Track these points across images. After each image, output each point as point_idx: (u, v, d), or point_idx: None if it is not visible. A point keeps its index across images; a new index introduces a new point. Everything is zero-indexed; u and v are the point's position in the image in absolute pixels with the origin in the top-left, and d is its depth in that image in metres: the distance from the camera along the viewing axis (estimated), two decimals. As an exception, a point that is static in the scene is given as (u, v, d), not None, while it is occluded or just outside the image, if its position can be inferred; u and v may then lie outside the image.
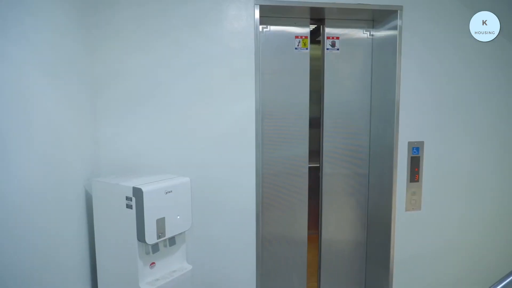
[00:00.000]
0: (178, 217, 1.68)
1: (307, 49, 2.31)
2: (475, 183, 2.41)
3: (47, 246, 1.40)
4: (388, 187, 2.30)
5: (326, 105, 2.43)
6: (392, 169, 2.26)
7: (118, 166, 1.98)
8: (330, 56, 2.40)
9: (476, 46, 2.27)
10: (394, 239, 2.30)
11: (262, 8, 2.07)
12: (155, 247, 1.64)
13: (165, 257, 1.73)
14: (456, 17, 2.24)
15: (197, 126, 2.07)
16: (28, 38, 1.33)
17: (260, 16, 2.07)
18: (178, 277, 1.73)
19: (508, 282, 1.11)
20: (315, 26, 3.65)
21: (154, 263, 1.68)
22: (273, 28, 2.27)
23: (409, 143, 2.27)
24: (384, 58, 2.30)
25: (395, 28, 2.19)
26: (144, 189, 1.52)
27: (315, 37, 4.15)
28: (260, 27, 2.16)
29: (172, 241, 1.72)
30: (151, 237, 1.55)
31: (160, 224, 1.59)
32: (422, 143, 2.29)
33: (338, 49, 2.40)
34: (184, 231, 1.75)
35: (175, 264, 1.78)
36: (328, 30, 2.38)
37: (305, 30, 2.31)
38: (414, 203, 2.32)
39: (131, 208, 1.55)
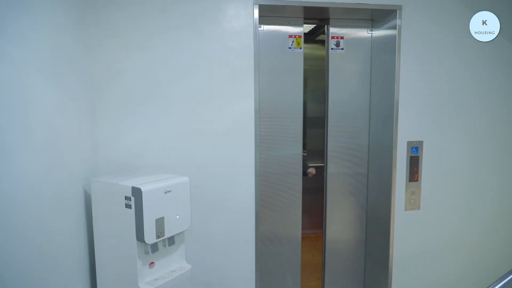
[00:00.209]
0: (177, 216, 1.68)
1: (301, 48, 2.30)
2: (474, 183, 2.41)
3: (46, 246, 1.40)
4: (387, 186, 2.30)
5: (330, 104, 2.43)
6: (391, 168, 2.26)
7: (117, 166, 1.98)
8: (334, 56, 2.40)
9: (476, 46, 2.27)
10: (393, 239, 2.31)
11: (261, 8, 2.06)
12: (154, 247, 1.63)
13: (164, 256, 1.73)
14: (456, 17, 2.24)
15: (197, 126, 2.07)
16: (27, 37, 1.33)
17: (260, 16, 2.06)
18: (178, 277, 1.73)
19: (506, 282, 1.11)
20: (314, 25, 3.66)
21: (153, 262, 1.68)
22: (266, 27, 2.27)
23: (409, 142, 2.27)
24: (384, 58, 2.30)
25: (394, 27, 2.19)
26: (143, 188, 1.52)
27: (314, 36, 4.16)
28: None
29: (171, 240, 1.72)
30: (150, 236, 1.55)
31: (159, 223, 1.59)
32: (421, 142, 2.29)
33: (342, 49, 2.40)
34: (183, 231, 1.75)
35: (174, 263, 1.78)
36: (332, 30, 2.38)
37: (299, 30, 2.31)
38: (413, 203, 2.32)
39: (130, 208, 1.54)
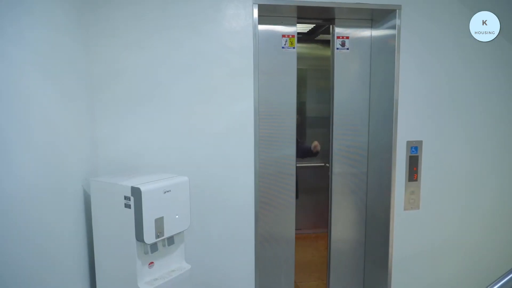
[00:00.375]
0: (177, 216, 1.68)
1: (294, 48, 2.29)
2: (473, 182, 2.41)
3: (46, 246, 1.40)
4: (387, 186, 2.30)
5: (336, 104, 2.43)
6: (390, 168, 2.26)
7: (117, 166, 1.98)
8: (340, 56, 2.40)
9: (476, 46, 2.27)
10: (393, 238, 2.31)
11: (261, 7, 2.06)
12: (153, 247, 1.63)
13: (163, 256, 1.73)
14: (456, 17, 2.24)
15: (196, 126, 2.07)
16: (26, 37, 1.33)
17: (259, 16, 2.06)
18: (177, 277, 1.72)
19: (504, 282, 1.11)
20: (313, 25, 3.67)
21: (152, 262, 1.67)
22: (260, 27, 2.25)
23: (408, 142, 2.27)
24: (383, 57, 2.30)
25: (394, 27, 2.19)
26: (142, 188, 1.51)
27: (314, 36, 4.17)
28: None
29: (170, 240, 1.72)
30: (149, 236, 1.55)
31: (159, 223, 1.59)
32: (420, 142, 2.29)
33: (348, 49, 2.40)
34: (183, 231, 1.75)
35: (173, 263, 1.78)
36: (338, 30, 2.39)
37: (292, 29, 2.29)
38: (412, 202, 2.32)
39: (130, 208, 1.54)
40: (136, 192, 1.52)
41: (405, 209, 2.32)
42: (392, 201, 2.28)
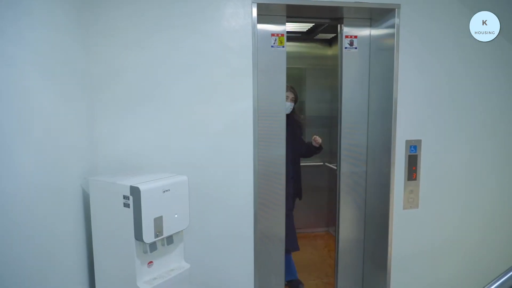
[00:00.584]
0: (176, 215, 1.68)
1: (283, 47, 2.27)
2: (472, 182, 2.41)
3: (45, 245, 1.40)
4: (386, 185, 2.30)
5: (344, 103, 2.43)
6: (389, 167, 2.26)
7: (116, 165, 1.98)
8: (348, 55, 2.40)
9: (476, 46, 2.27)
10: (392, 237, 2.31)
11: (260, 7, 2.06)
12: (152, 246, 1.63)
13: (163, 256, 1.73)
14: (455, 16, 2.24)
15: (195, 125, 2.07)
16: (26, 37, 1.32)
17: (258, 15, 2.06)
18: (176, 276, 1.73)
19: (502, 282, 1.12)
20: (313, 24, 3.67)
21: (151, 262, 1.67)
22: None
23: (407, 141, 2.27)
24: (382, 57, 2.30)
25: (392, 26, 2.19)
26: (141, 187, 1.51)
27: (313, 35, 4.17)
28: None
29: (169, 239, 1.72)
30: (148, 236, 1.55)
31: (158, 223, 1.59)
32: (419, 141, 2.29)
33: (356, 48, 2.40)
34: (182, 230, 1.75)
35: (173, 262, 1.78)
36: (346, 29, 2.39)
37: (281, 28, 2.27)
38: (411, 201, 2.33)
39: (129, 207, 1.54)
40: (135, 192, 1.52)
41: (404, 208, 2.32)
42: (391, 200, 2.28)
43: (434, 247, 2.41)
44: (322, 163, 4.20)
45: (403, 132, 2.25)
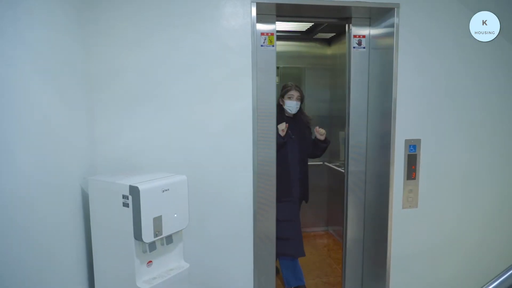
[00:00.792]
0: (175, 215, 1.68)
1: (273, 46, 2.26)
2: (472, 181, 2.41)
3: (44, 245, 1.40)
4: (385, 184, 2.30)
5: (352, 103, 2.43)
6: (389, 166, 2.26)
7: (115, 165, 1.98)
8: (356, 55, 2.40)
9: (475, 45, 2.27)
10: (391, 237, 2.31)
11: (259, 6, 2.06)
12: (152, 246, 1.63)
13: (162, 255, 1.73)
14: (455, 16, 2.24)
15: (195, 124, 2.07)
16: (25, 37, 1.32)
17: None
18: (176, 275, 1.73)
19: (501, 281, 1.12)
20: (312, 24, 3.66)
21: (151, 261, 1.67)
22: None
23: (406, 140, 2.27)
24: (381, 56, 2.30)
25: (392, 25, 2.18)
26: (140, 187, 1.51)
27: (312, 35, 4.17)
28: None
29: (169, 239, 1.72)
30: (148, 235, 1.55)
31: (157, 222, 1.58)
32: (419, 140, 2.29)
33: (364, 48, 2.40)
34: (181, 229, 1.75)
35: (172, 262, 1.78)
36: (354, 29, 2.39)
37: (271, 27, 2.25)
38: (411, 201, 2.33)
39: (128, 207, 1.54)
40: (134, 191, 1.52)
41: (403, 208, 2.32)
42: (390, 199, 2.28)
43: (433, 246, 2.41)
44: (321, 163, 4.21)
45: (403, 131, 2.25)
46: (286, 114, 2.81)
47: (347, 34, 2.46)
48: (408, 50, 2.20)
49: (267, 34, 2.24)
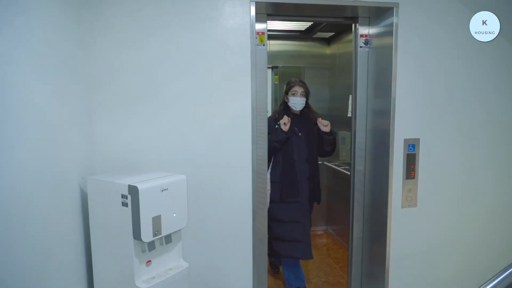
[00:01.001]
0: (174, 214, 1.68)
1: (264, 45, 2.22)
2: (471, 181, 2.41)
3: (43, 245, 1.40)
4: (384, 184, 2.30)
5: (358, 102, 2.42)
6: (388, 166, 2.26)
7: (114, 164, 1.97)
8: (363, 54, 2.40)
9: (475, 45, 2.27)
10: (390, 236, 2.31)
11: (258, 5, 2.05)
12: (151, 245, 1.63)
13: (161, 255, 1.73)
14: (455, 16, 2.23)
15: (194, 124, 2.07)
16: (23, 36, 1.32)
17: (256, 13, 2.05)
18: (175, 275, 1.73)
19: (500, 280, 1.12)
20: (312, 23, 3.66)
21: (150, 261, 1.67)
22: None
23: (405, 140, 2.27)
24: (381, 55, 2.30)
25: (391, 25, 2.18)
26: (139, 187, 1.51)
27: (312, 34, 4.16)
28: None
29: (168, 239, 1.72)
30: (147, 235, 1.55)
31: (156, 222, 1.58)
32: (418, 140, 2.29)
33: (369, 47, 2.40)
34: (180, 229, 1.75)
35: (171, 262, 1.78)
36: (361, 29, 2.39)
37: (262, 26, 2.21)
38: (410, 200, 2.33)
39: (127, 206, 1.54)
40: (133, 191, 1.52)
41: (402, 207, 2.32)
42: (389, 198, 2.28)
43: (432, 245, 2.41)
44: (321, 162, 4.20)
45: (402, 130, 2.25)
46: (292, 111, 2.73)
47: (353, 33, 2.46)
48: (408, 49, 2.20)
49: (258, 33, 2.19)
